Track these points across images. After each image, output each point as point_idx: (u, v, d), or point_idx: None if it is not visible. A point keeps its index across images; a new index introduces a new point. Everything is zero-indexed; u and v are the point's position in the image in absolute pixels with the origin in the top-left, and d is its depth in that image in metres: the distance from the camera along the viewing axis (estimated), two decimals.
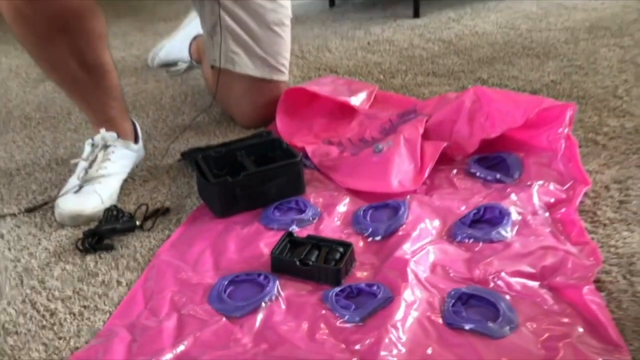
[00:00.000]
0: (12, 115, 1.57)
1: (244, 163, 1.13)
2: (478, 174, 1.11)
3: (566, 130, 1.12)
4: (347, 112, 1.39)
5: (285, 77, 1.43)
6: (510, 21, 2.01)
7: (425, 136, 1.18)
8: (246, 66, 1.36)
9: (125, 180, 1.20)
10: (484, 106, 1.19)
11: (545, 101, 1.15)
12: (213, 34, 1.36)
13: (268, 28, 1.35)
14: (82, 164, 1.17)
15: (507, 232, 0.94)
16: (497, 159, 1.15)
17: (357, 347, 0.75)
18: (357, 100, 1.40)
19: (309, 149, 1.24)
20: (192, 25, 1.75)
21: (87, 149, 1.19)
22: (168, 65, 1.81)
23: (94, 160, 1.16)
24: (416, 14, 2.12)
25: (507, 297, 0.81)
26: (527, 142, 1.17)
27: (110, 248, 1.01)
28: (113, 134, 1.19)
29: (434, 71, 1.66)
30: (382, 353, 0.72)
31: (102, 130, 1.18)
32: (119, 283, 0.94)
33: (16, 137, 1.45)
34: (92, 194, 1.10)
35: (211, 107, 1.52)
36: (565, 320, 0.77)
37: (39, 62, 1.12)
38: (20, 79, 1.83)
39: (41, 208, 1.15)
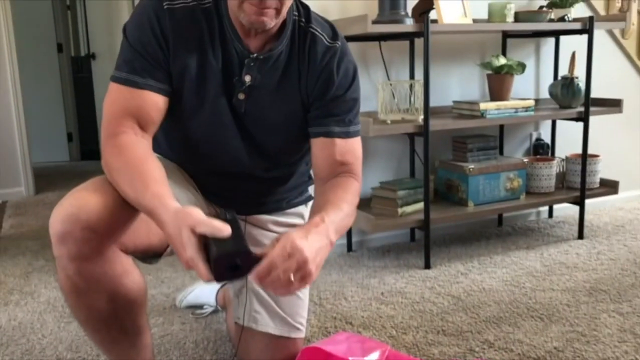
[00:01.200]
0: (44, 354, 1.67)
1: None
2: None
3: None
4: None
5: (302, 334, 1.54)
6: (515, 278, 2.16)
7: None
8: (267, 325, 1.48)
9: None
10: None
11: None
12: (239, 294, 1.51)
13: None
14: None
15: None
16: None
17: None
18: None
19: None
20: None
21: None
22: (195, 307, 1.95)
23: None
24: (427, 265, 2.29)
25: None
26: None
27: None
28: None
29: (444, 329, 1.76)
30: None
31: None
32: None
33: None
34: None
35: (231, 358, 1.61)
36: None
37: (82, 324, 1.24)
38: (57, 312, 1.96)
39: None
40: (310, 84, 1.30)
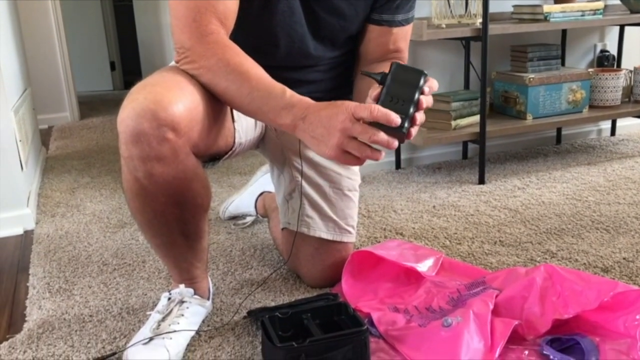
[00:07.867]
0: (91, 260, 1.66)
1: (309, 327, 1.14)
2: (552, 357, 1.07)
3: None
4: (413, 277, 1.40)
5: (353, 238, 1.47)
6: (577, 192, 2.03)
7: (495, 312, 1.16)
8: (319, 229, 1.41)
9: (192, 336, 1.22)
10: (555, 284, 1.17)
11: (620, 285, 1.13)
12: (289, 199, 1.44)
13: (342, 193, 1.42)
14: (156, 316, 1.20)
15: None
16: (571, 342, 1.11)
17: None
18: (424, 266, 1.41)
19: (375, 316, 1.24)
20: (260, 182, 1.85)
21: (164, 301, 1.22)
22: (236, 218, 1.90)
23: (168, 314, 1.19)
24: (481, 181, 2.17)
25: None
26: (603, 326, 1.13)
27: None
28: (190, 290, 1.23)
29: (501, 240, 1.67)
30: None
31: (182, 286, 1.23)
32: None
33: (92, 282, 1.51)
34: (161, 348, 1.12)
35: (278, 264, 1.56)
36: None
37: (142, 227, 1.18)
38: (102, 223, 1.94)
39: (109, 358, 1.17)
40: None
